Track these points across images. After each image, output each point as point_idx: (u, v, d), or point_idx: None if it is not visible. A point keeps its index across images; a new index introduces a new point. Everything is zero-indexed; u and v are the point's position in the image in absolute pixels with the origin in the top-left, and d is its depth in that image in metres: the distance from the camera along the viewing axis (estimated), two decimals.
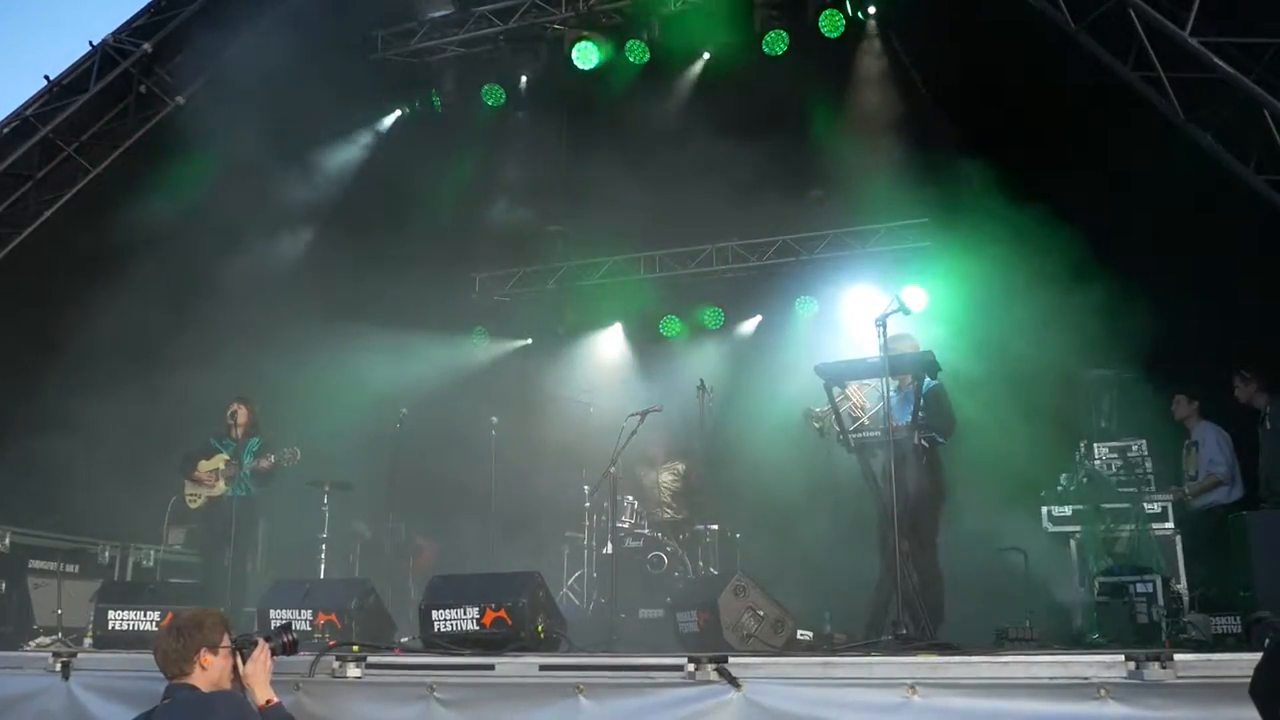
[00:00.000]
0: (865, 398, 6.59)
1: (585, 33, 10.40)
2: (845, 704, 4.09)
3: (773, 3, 10.16)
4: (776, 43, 10.05)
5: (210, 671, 3.88)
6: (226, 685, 3.93)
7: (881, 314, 6.22)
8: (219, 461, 8.50)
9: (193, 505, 8.54)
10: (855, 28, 10.32)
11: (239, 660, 4.01)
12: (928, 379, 6.44)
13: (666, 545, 9.12)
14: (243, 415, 8.62)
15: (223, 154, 9.39)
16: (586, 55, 10.46)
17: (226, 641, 3.98)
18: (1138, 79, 7.51)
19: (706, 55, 10.48)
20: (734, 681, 4.22)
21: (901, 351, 6.39)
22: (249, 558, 8.91)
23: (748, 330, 12.56)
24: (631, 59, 10.27)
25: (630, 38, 10.21)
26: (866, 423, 6.42)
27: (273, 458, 8.33)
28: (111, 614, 6.42)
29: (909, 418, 6.24)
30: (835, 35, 10.03)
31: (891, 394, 6.40)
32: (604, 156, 10.87)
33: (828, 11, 9.83)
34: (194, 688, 3.84)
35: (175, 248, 9.38)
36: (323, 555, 8.76)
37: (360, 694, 4.82)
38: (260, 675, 4.04)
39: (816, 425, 6.77)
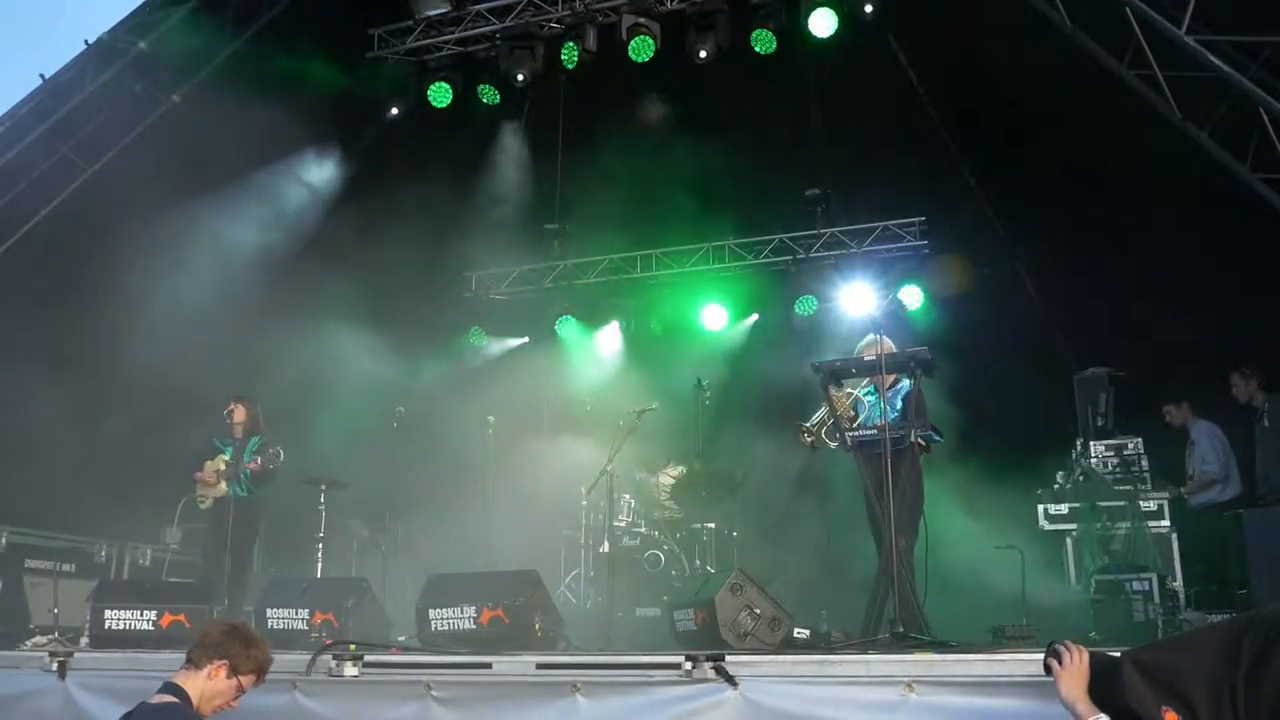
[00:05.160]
0: (851, 406, 6.61)
1: (576, 31, 10.35)
2: (842, 702, 4.09)
3: (767, 1, 10.13)
4: (771, 42, 10.02)
5: (213, 683, 3.81)
6: (215, 706, 3.87)
7: (878, 312, 6.23)
8: (220, 462, 8.49)
9: (202, 505, 8.48)
10: (852, 26, 10.30)
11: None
12: (907, 381, 6.46)
13: (663, 544, 9.12)
14: (239, 414, 8.61)
15: (218, 151, 9.38)
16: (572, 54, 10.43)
17: (248, 682, 3.90)
18: (1134, 78, 7.52)
19: (703, 54, 10.45)
20: (731, 680, 4.22)
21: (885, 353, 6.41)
22: (248, 558, 8.90)
23: (744, 328, 12.56)
24: (635, 58, 10.22)
25: (633, 37, 10.15)
26: (849, 424, 6.46)
27: (259, 459, 8.29)
28: (108, 613, 6.41)
29: (896, 415, 6.30)
30: (828, 35, 9.94)
31: (873, 398, 6.45)
32: (600, 155, 10.86)
33: (817, 9, 9.77)
34: (181, 689, 3.80)
35: (170, 245, 9.38)
36: (320, 554, 8.74)
37: (357, 693, 4.82)
38: None
39: (809, 440, 6.78)
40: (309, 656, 4.87)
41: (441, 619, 5.75)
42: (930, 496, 6.47)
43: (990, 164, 10.92)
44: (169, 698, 3.77)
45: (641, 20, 10.10)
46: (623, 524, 9.09)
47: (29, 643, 6.44)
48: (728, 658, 4.32)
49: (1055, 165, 9.61)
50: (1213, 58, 6.97)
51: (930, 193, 11.24)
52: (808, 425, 6.77)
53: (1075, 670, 3.24)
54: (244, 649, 3.88)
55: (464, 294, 13.27)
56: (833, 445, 6.61)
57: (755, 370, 11.41)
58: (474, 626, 5.65)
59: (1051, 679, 3.33)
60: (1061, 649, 3.31)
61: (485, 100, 11.17)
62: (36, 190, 9.18)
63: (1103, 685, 3.21)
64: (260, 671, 3.97)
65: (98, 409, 8.55)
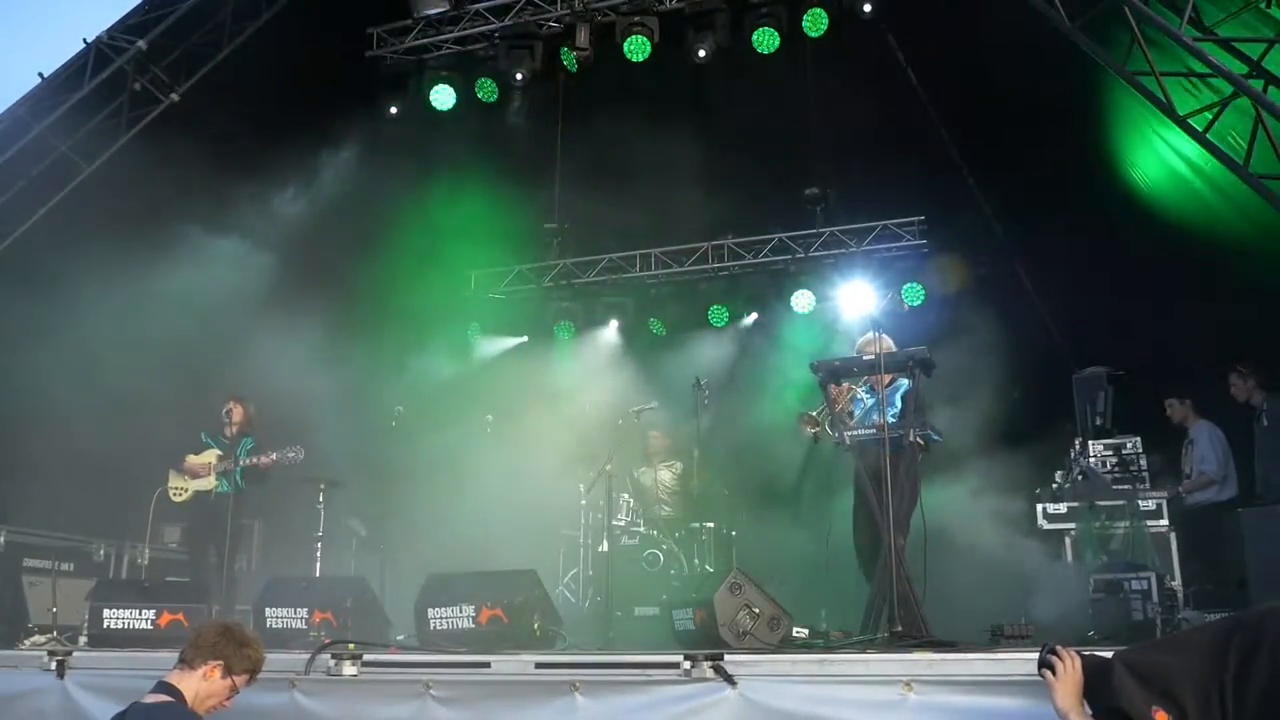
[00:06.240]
0: (850, 403, 6.62)
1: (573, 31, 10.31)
2: (841, 701, 4.10)
3: (766, 0, 10.11)
4: (774, 41, 10.00)
5: (208, 683, 3.83)
6: (210, 706, 3.87)
7: (877, 311, 6.23)
8: (210, 456, 8.48)
9: (177, 499, 8.44)
10: (851, 25, 10.28)
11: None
12: (905, 380, 6.46)
13: (662, 543, 9.12)
14: (238, 414, 8.61)
15: (218, 150, 9.37)
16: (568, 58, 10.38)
17: (241, 681, 3.93)
18: (1133, 77, 7.51)
19: (702, 53, 10.43)
20: (730, 679, 4.22)
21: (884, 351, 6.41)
22: (239, 555, 8.87)
23: (743, 327, 12.57)
24: (631, 57, 10.19)
25: (629, 35, 10.12)
26: (847, 422, 6.47)
27: (274, 455, 8.28)
28: (107, 612, 6.42)
29: (894, 415, 6.30)
30: (818, 34, 9.78)
31: (870, 397, 6.44)
32: (599, 153, 10.85)
33: (813, 10, 9.73)
34: (176, 689, 3.80)
35: (171, 244, 9.37)
36: (318, 553, 8.73)
37: (356, 692, 4.82)
38: None
39: (812, 431, 6.80)
40: (308, 655, 4.88)
41: (440, 618, 5.75)
42: (929, 496, 6.46)
43: (990, 164, 10.92)
44: (164, 697, 3.77)
45: (639, 19, 10.07)
46: (621, 523, 9.09)
47: (28, 642, 6.44)
48: (726, 657, 4.32)
49: (1055, 165, 9.60)
50: (1211, 56, 6.97)
51: (930, 192, 11.24)
52: (812, 414, 6.79)
53: (1068, 679, 3.25)
54: (238, 649, 3.90)
55: (463, 293, 13.26)
56: (835, 437, 6.60)
57: (754, 369, 11.41)
58: (473, 626, 5.65)
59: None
60: (1054, 659, 3.31)
61: (484, 99, 11.15)
62: (36, 189, 9.17)
63: (1094, 686, 3.23)
64: (254, 671, 3.99)
65: (96, 406, 8.53)
